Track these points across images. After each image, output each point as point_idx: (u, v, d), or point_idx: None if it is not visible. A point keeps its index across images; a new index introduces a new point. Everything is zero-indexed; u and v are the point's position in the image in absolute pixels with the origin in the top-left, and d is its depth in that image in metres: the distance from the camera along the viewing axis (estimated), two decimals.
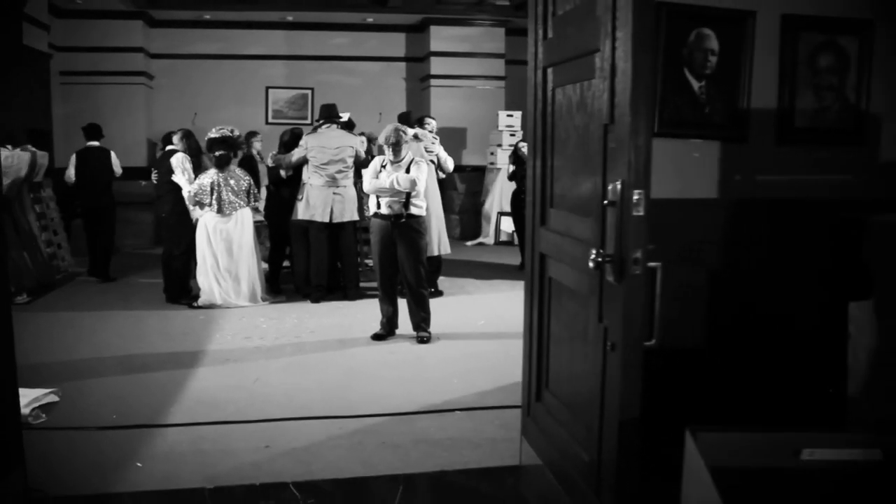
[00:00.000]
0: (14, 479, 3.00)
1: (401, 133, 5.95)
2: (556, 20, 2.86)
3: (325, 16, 13.03)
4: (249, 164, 8.14)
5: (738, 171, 3.34)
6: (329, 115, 7.64)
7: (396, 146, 5.84)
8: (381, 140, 6.08)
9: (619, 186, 2.18)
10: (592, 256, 2.27)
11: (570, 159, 2.74)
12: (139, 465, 3.69)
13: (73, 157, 8.64)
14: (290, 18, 13.11)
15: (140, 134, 12.42)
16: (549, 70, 2.91)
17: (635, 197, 2.13)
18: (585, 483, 2.54)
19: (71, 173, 8.57)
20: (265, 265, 7.98)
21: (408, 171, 5.81)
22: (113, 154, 8.80)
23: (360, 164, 7.43)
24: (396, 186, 5.76)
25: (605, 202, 2.25)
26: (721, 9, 3.23)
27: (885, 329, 2.49)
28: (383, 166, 5.87)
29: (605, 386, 2.35)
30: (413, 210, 5.86)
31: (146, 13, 12.48)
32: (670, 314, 3.09)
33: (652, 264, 2.22)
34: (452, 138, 12.31)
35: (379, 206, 5.90)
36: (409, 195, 5.82)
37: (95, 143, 8.76)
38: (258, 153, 8.99)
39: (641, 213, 2.14)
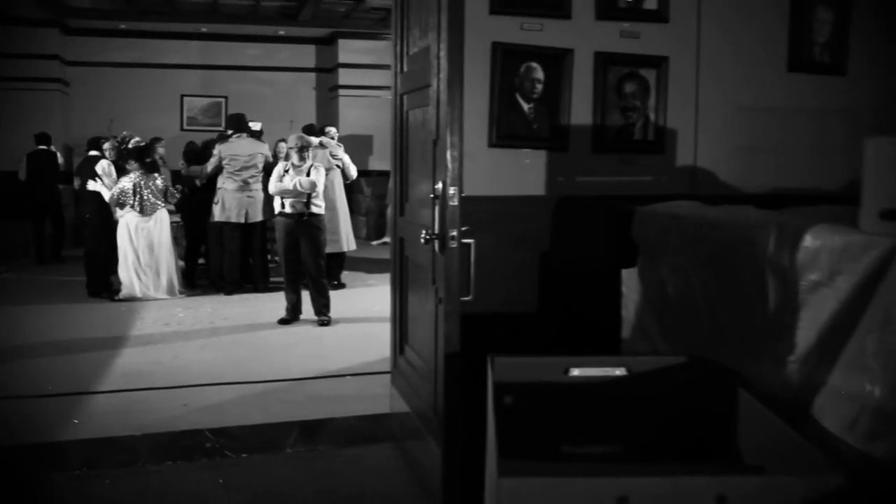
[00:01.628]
0: None
1: (304, 140, 6.79)
2: (409, 59, 3.72)
3: (238, 28, 13.78)
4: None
5: (560, 174, 4.22)
6: (238, 125, 8.38)
7: (301, 151, 6.67)
8: (288, 145, 6.91)
9: (440, 185, 3.04)
10: (423, 235, 3.12)
11: (416, 165, 3.60)
12: (76, 421, 4.39)
13: (25, 159, 9.46)
14: (204, 30, 13.75)
15: (57, 139, 12.78)
16: (405, 97, 3.77)
17: (451, 192, 2.99)
18: (428, 407, 3.39)
19: (22, 173, 9.41)
20: (181, 262, 8.64)
21: (308, 175, 6.62)
22: (59, 155, 9.54)
23: (270, 168, 8.18)
24: (299, 188, 6.56)
25: (432, 196, 3.10)
26: (545, 47, 4.10)
27: (648, 286, 3.40)
28: (286, 171, 6.66)
29: (437, 330, 3.20)
30: (313, 209, 6.69)
31: (62, 21, 12.90)
32: (511, 287, 3.98)
33: (466, 241, 3.08)
34: (359, 145, 13.12)
35: (283, 206, 6.69)
36: (309, 196, 6.62)
37: (44, 147, 9.49)
38: (161, 157, 9.60)
39: (456, 204, 3.00)
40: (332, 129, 9.17)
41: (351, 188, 9.50)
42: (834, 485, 1.89)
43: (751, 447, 2.56)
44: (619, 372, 2.99)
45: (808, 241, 2.45)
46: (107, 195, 7.89)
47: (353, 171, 8.75)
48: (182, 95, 14.05)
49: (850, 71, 4.71)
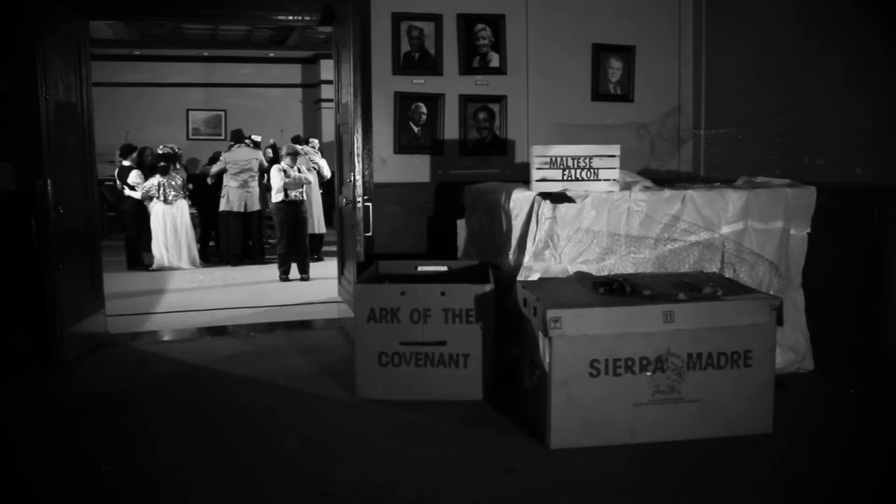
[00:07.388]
0: (100, 315, 6.89)
1: (293, 149, 10.15)
2: (341, 105, 7.00)
3: (235, 51, 16.80)
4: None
5: (439, 169, 7.41)
6: (238, 137, 11.70)
7: (294, 156, 10.01)
8: (284, 151, 10.28)
9: (352, 175, 6.27)
10: (345, 201, 6.37)
11: (345, 165, 6.86)
12: (148, 324, 7.62)
13: None
14: (206, 54, 16.84)
15: None
16: (340, 126, 7.03)
17: (358, 178, 6.24)
18: (351, 297, 6.60)
19: None
20: (197, 244, 11.91)
21: (299, 172, 10.00)
22: None
23: (264, 169, 11.52)
24: (304, 181, 9.92)
25: (349, 181, 6.34)
26: (427, 93, 7.28)
27: (469, 228, 6.58)
28: (285, 170, 9.97)
29: (356, 251, 6.43)
30: (304, 198, 10.09)
31: None
32: (411, 238, 7.16)
33: (367, 203, 6.31)
34: None
35: (287, 195, 10.00)
36: (304, 188, 9.98)
37: None
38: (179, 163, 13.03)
39: (360, 184, 6.24)
40: (314, 140, 12.55)
41: (331, 186, 12.73)
42: (488, 288, 5.10)
43: None
44: (444, 268, 6.16)
45: (514, 195, 5.60)
46: (138, 195, 11.18)
47: (326, 172, 12.02)
48: (187, 110, 17.28)
49: (637, 99, 7.76)
